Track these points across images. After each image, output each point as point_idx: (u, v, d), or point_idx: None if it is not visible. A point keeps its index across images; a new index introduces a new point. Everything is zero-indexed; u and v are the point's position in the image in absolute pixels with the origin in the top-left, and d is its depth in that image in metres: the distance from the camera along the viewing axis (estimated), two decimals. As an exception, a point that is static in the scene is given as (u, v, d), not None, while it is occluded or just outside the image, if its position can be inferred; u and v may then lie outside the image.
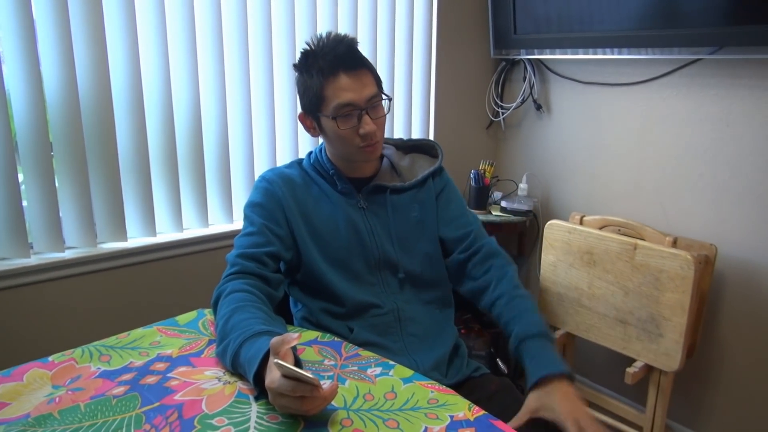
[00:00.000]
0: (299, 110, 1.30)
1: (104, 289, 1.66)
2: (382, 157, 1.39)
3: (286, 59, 1.92)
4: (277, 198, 1.26)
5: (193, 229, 1.84)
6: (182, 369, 1.02)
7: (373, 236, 1.29)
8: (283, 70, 1.93)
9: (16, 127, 1.49)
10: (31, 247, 1.59)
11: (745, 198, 1.82)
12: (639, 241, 1.78)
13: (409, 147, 1.44)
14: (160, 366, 1.03)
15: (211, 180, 1.84)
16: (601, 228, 1.94)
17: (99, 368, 1.02)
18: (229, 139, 1.84)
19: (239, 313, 1.04)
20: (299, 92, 1.26)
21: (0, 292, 1.50)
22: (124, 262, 1.69)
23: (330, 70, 1.17)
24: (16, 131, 1.49)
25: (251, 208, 1.27)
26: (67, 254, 1.60)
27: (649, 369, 1.83)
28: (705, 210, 1.92)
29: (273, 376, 0.85)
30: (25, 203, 1.54)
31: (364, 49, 2.06)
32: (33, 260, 1.55)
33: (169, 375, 1.00)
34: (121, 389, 0.95)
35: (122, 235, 1.69)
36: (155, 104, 1.68)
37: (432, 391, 0.96)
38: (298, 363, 0.92)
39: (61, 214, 1.60)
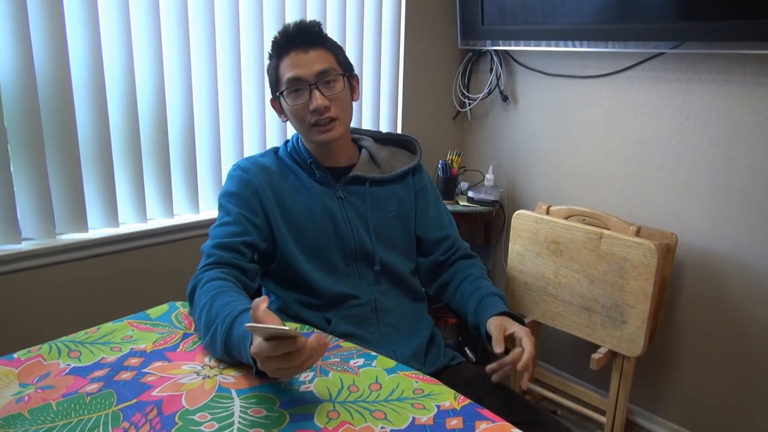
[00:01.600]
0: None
1: (64, 283, 1.59)
2: (360, 147, 1.38)
3: (253, 46, 1.87)
4: (253, 186, 1.23)
5: (157, 220, 1.78)
6: (158, 364, 0.99)
7: (350, 227, 1.28)
8: (251, 56, 1.88)
9: (-33, 111, 1.41)
10: (-14, 239, 1.51)
11: (703, 188, 1.89)
12: (604, 231, 1.82)
13: (386, 140, 1.42)
14: (135, 361, 0.99)
15: (176, 168, 1.79)
16: (567, 218, 1.98)
17: (69, 365, 0.98)
18: (194, 126, 1.79)
19: (220, 298, 1.02)
20: (268, 79, 1.30)
21: (-49, 286, 1.42)
22: (85, 254, 1.62)
23: (282, 49, 1.21)
24: (-33, 116, 1.41)
25: (226, 197, 1.24)
26: (24, 246, 1.53)
27: (612, 355, 1.88)
28: (665, 199, 1.98)
29: (255, 342, 0.85)
30: (-23, 192, 1.46)
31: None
32: (-13, 252, 1.47)
33: (144, 370, 0.97)
34: (94, 386, 0.92)
35: (83, 225, 1.62)
36: (117, 87, 1.61)
37: (416, 381, 0.96)
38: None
39: (16, 204, 1.52)
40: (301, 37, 1.20)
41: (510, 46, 2.25)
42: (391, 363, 1.01)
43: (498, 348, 1.12)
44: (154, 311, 1.18)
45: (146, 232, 1.72)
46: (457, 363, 1.32)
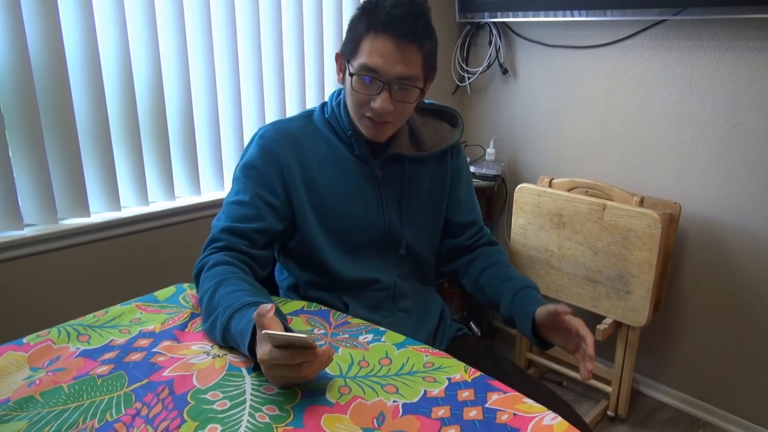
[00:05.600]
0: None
1: (67, 268, 1.59)
2: None
3: (250, 22, 1.85)
4: (277, 160, 1.13)
5: (159, 203, 1.77)
6: (167, 343, 0.99)
7: (382, 208, 1.20)
8: (248, 33, 1.85)
9: (-37, 97, 1.39)
10: (-12, 226, 1.50)
11: (707, 156, 1.88)
12: (607, 202, 1.82)
13: (428, 111, 1.29)
14: (144, 342, 0.99)
15: (175, 150, 1.77)
16: (569, 190, 1.97)
17: (78, 348, 0.98)
18: (193, 107, 1.77)
19: (224, 286, 1.01)
20: (348, 27, 1.12)
21: (-45, 274, 1.42)
22: (88, 238, 1.61)
23: (376, 25, 1.04)
24: (-38, 102, 1.39)
25: (245, 170, 1.15)
26: (26, 232, 1.52)
27: (617, 325, 1.89)
28: (669, 169, 1.97)
29: (264, 348, 0.82)
30: (-23, 179, 1.44)
31: (321, 9, 2.01)
32: (-10, 239, 1.47)
33: (154, 350, 0.97)
34: (105, 368, 0.92)
35: (84, 210, 1.61)
36: (113, 69, 1.59)
37: (426, 355, 0.96)
38: (288, 330, 0.90)
39: (17, 190, 1.51)
40: (404, 23, 1.03)
41: (509, 17, 2.22)
42: (400, 338, 1.02)
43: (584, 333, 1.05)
44: (162, 293, 1.18)
45: (148, 215, 1.71)
46: (463, 333, 1.32)
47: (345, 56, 1.11)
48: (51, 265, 1.56)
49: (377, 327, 1.05)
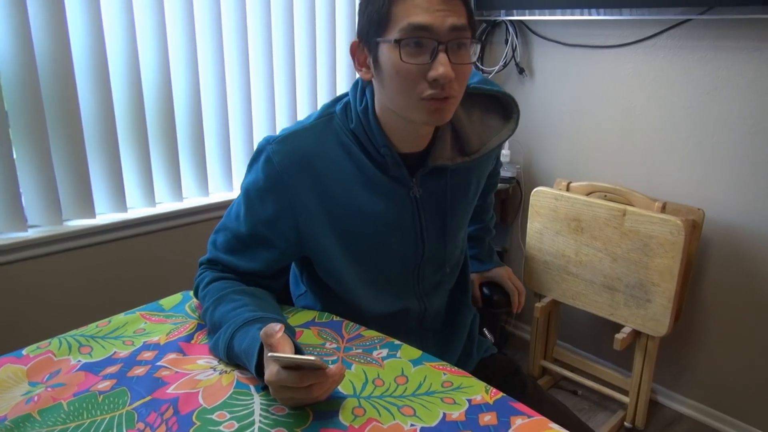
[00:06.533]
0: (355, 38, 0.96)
1: (72, 271, 1.55)
2: None
3: (260, 19, 1.80)
4: (288, 195, 0.95)
5: (166, 204, 1.73)
6: (172, 356, 0.94)
7: (422, 234, 1.03)
8: (258, 30, 1.80)
9: (-34, 95, 1.35)
10: (-9, 227, 1.46)
11: (731, 161, 1.81)
12: (628, 207, 1.76)
13: (476, 96, 1.03)
14: (148, 355, 0.95)
15: (183, 150, 1.73)
16: (588, 194, 1.91)
17: (80, 361, 0.93)
18: (202, 106, 1.72)
19: (223, 304, 0.95)
20: (360, 9, 0.92)
21: (-43, 277, 1.38)
22: (93, 240, 1.58)
23: None
24: (-35, 99, 1.35)
25: (248, 198, 0.98)
26: (30, 233, 1.48)
27: (636, 334, 1.83)
28: (691, 174, 1.91)
29: (272, 369, 0.77)
30: (-20, 179, 1.41)
31: (334, 4, 1.95)
32: (-7, 241, 1.43)
33: (158, 364, 0.92)
34: (107, 383, 0.87)
35: (90, 211, 1.58)
36: (120, 67, 1.55)
37: (444, 374, 0.91)
38: (297, 349, 0.85)
39: (21, 190, 1.47)
40: None
41: (526, 15, 2.16)
42: (417, 353, 0.96)
43: (477, 304, 1.29)
44: (167, 301, 1.13)
45: (155, 216, 1.67)
46: (491, 355, 1.25)
47: (370, 37, 0.89)
48: (55, 268, 1.53)
49: (392, 340, 1.00)
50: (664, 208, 1.75)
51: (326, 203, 0.97)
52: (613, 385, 2.03)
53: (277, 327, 0.78)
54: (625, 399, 1.95)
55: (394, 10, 0.85)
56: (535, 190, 1.97)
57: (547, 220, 1.95)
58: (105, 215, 1.62)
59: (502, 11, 2.21)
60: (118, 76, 1.55)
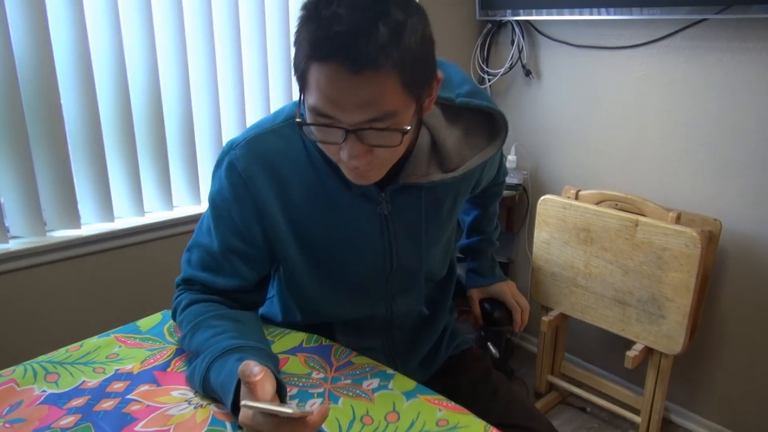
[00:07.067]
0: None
1: (56, 284, 1.48)
2: (419, 123, 0.89)
3: (254, 19, 1.72)
4: (253, 201, 0.90)
5: (156, 213, 1.66)
6: (145, 388, 0.87)
7: (390, 250, 0.97)
8: (252, 30, 1.73)
9: (-58, 100, 1.28)
10: (-31, 238, 1.40)
11: (749, 169, 1.72)
12: (640, 218, 1.67)
13: (461, 110, 0.92)
14: (119, 386, 0.87)
15: (174, 156, 1.66)
16: (598, 203, 1.83)
17: (44, 391, 0.86)
18: (192, 110, 1.65)
19: (201, 330, 0.88)
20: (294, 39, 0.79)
21: (-67, 291, 1.32)
22: (79, 251, 1.51)
23: (318, 50, 0.69)
24: (-59, 105, 1.29)
25: (215, 209, 0.93)
26: (12, 245, 1.42)
27: (649, 351, 1.74)
28: (707, 182, 1.81)
29: (247, 413, 0.70)
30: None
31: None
32: (-29, 253, 1.37)
33: (129, 397, 0.84)
34: (70, 419, 0.80)
35: (75, 221, 1.51)
36: (106, 70, 1.48)
37: (440, 410, 0.83)
38: (279, 386, 0.77)
39: (1, 199, 1.40)
40: (351, 46, 0.67)
41: (533, 15, 2.07)
42: (410, 384, 0.88)
43: (478, 321, 1.27)
44: (145, 322, 1.06)
45: (144, 226, 1.60)
46: (461, 351, 1.20)
47: (298, 81, 0.76)
48: (38, 281, 1.46)
49: (384, 369, 0.92)
50: (678, 219, 1.66)
51: (290, 212, 0.92)
52: (623, 403, 1.94)
53: (256, 370, 0.70)
54: (637, 418, 1.86)
55: (308, 78, 0.72)
56: (542, 198, 1.88)
57: (554, 229, 1.87)
58: (91, 225, 1.55)
59: (508, 11, 2.13)
60: (104, 79, 1.48)
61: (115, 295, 1.58)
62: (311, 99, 0.73)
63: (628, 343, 1.76)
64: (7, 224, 1.43)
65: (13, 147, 1.38)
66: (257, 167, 0.89)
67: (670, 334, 1.65)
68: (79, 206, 1.52)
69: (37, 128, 1.41)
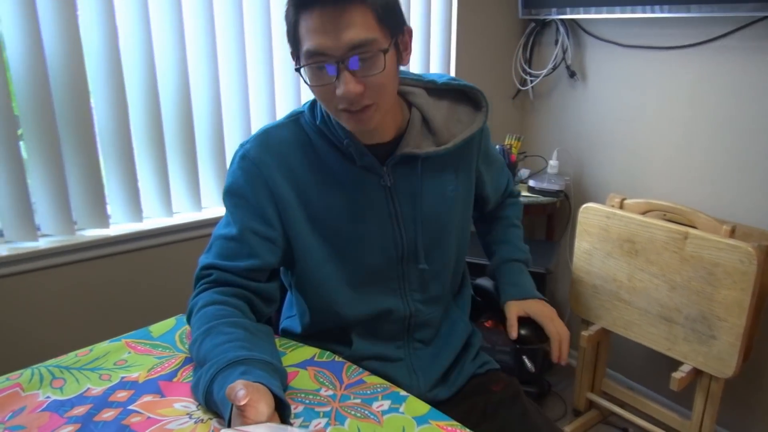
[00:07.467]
0: None
1: (83, 282, 1.49)
2: (410, 106, 1.00)
3: (282, 18, 1.69)
4: (265, 184, 0.95)
5: (184, 214, 1.65)
6: (147, 399, 0.84)
7: (398, 222, 1.00)
8: (283, 26, 1.69)
9: (-25, 99, 1.30)
10: (1, 235, 1.41)
11: (815, 179, 1.58)
12: (690, 230, 1.55)
13: (443, 91, 1.04)
14: (122, 395, 0.84)
15: (203, 156, 1.64)
16: (644, 213, 1.71)
17: (48, 397, 0.84)
18: (222, 111, 1.63)
19: (212, 336, 0.85)
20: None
21: (-35, 287, 1.34)
22: (107, 251, 1.51)
23: (302, 3, 0.84)
24: (-25, 104, 1.30)
25: (231, 197, 0.98)
26: (41, 243, 1.43)
27: (697, 373, 1.62)
28: (764, 192, 1.67)
29: None
30: (-10, 186, 1.36)
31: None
32: (2, 250, 1.38)
33: (130, 407, 0.82)
34: (69, 429, 0.77)
35: (103, 220, 1.51)
36: (136, 70, 1.48)
37: (453, 438, 0.77)
38: (281, 404, 0.73)
39: (33, 198, 1.41)
40: None
41: (579, 13, 1.97)
42: (423, 409, 0.82)
43: (512, 333, 1.13)
44: (157, 328, 1.03)
45: (172, 227, 1.59)
46: (486, 371, 1.14)
47: (294, 57, 0.91)
48: (66, 279, 1.46)
49: (397, 390, 0.87)
50: (733, 233, 1.53)
51: (301, 197, 0.97)
52: (671, 428, 1.81)
53: (241, 394, 0.66)
54: (683, 443, 1.74)
55: (298, 34, 0.86)
56: (584, 206, 1.78)
57: (596, 239, 1.76)
58: (119, 225, 1.55)
59: (554, 9, 2.03)
60: (133, 79, 1.48)
61: (141, 293, 1.58)
62: (305, 45, 0.85)
63: (675, 363, 1.64)
64: (37, 222, 1.45)
65: (44, 147, 1.38)
66: (267, 155, 0.96)
67: (721, 355, 1.52)
68: (108, 206, 1.52)
69: (67, 129, 1.41)
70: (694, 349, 1.58)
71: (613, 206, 1.78)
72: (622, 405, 1.93)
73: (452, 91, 1.04)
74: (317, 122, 0.97)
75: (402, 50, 0.91)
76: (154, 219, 1.60)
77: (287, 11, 0.88)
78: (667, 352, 1.65)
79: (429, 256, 1.04)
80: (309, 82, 0.88)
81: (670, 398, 2.00)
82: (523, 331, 1.13)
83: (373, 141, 0.97)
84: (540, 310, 1.15)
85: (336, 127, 0.95)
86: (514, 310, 1.16)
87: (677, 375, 1.58)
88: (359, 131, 0.93)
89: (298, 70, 0.89)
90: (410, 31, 0.93)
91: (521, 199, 1.36)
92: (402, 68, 0.97)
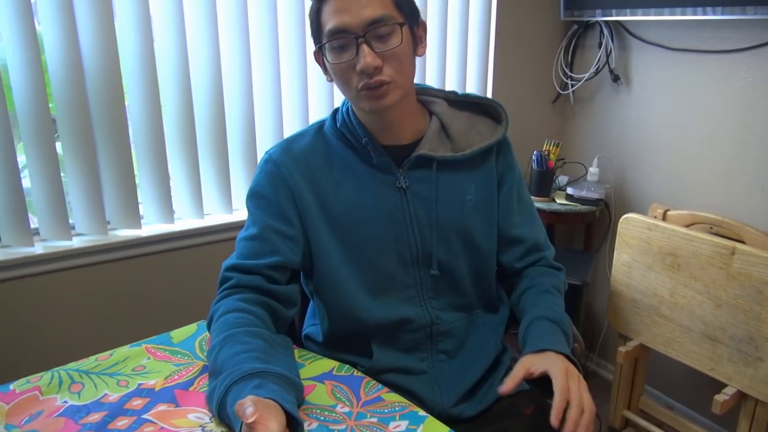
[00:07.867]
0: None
1: (116, 281, 1.51)
2: (430, 114, 1.05)
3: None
4: (286, 185, 0.99)
5: (215, 215, 1.65)
6: (162, 408, 0.83)
7: (412, 225, 1.01)
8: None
9: (15, 101, 1.33)
10: (37, 234, 1.44)
11: None
12: (738, 245, 1.46)
13: (464, 103, 1.08)
14: (137, 403, 0.84)
15: (235, 159, 1.65)
16: (688, 225, 1.63)
17: (66, 402, 0.84)
18: (255, 115, 1.63)
19: (230, 345, 0.84)
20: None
21: (1, 284, 1.36)
22: (139, 251, 1.52)
23: None
24: (15, 106, 1.33)
25: (253, 199, 1.01)
26: (75, 242, 1.45)
27: (742, 396, 1.53)
28: (823, 207, 1.57)
29: None
30: (27, 185, 1.38)
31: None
32: (38, 249, 1.41)
33: (144, 416, 0.81)
34: (83, 436, 0.77)
35: (136, 221, 1.52)
36: (170, 72, 1.49)
37: (471, 465, 0.73)
38: (293, 421, 0.71)
39: (68, 198, 1.44)
40: None
41: (625, 15, 1.89)
42: (442, 431, 0.79)
43: (502, 387, 0.86)
44: (178, 333, 1.03)
45: (203, 229, 1.60)
46: (517, 392, 1.06)
47: (316, 45, 0.97)
48: (99, 278, 1.48)
49: (416, 410, 0.83)
50: (785, 249, 1.44)
51: (321, 198, 1.00)
52: (710, 450, 1.73)
53: (249, 411, 0.65)
54: (725, 469, 1.65)
55: (321, 19, 0.93)
56: (624, 217, 1.71)
57: (637, 252, 1.69)
58: (151, 226, 1.57)
59: (598, 11, 1.96)
60: (167, 82, 1.49)
61: (171, 293, 1.59)
62: (327, 26, 0.91)
63: (719, 386, 1.55)
64: (72, 221, 1.47)
65: (79, 147, 1.41)
66: (288, 158, 1.00)
67: (768, 380, 1.44)
68: (141, 207, 1.54)
69: (102, 130, 1.43)
70: (739, 371, 1.50)
71: (655, 217, 1.70)
72: (660, 425, 1.84)
73: (472, 105, 1.09)
74: (338, 125, 1.02)
75: (416, 41, 0.98)
76: (185, 220, 1.61)
77: (311, 7, 0.95)
78: (710, 373, 1.57)
79: (443, 262, 1.03)
80: (330, 60, 0.94)
81: (713, 420, 1.91)
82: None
83: (390, 141, 1.01)
84: (554, 365, 0.89)
85: (356, 126, 1.00)
86: (525, 360, 0.91)
87: (720, 398, 1.50)
88: (376, 112, 0.96)
89: (320, 48, 0.95)
90: (425, 26, 1.00)
91: (558, 206, 1.26)
92: (427, 83, 0.98)
